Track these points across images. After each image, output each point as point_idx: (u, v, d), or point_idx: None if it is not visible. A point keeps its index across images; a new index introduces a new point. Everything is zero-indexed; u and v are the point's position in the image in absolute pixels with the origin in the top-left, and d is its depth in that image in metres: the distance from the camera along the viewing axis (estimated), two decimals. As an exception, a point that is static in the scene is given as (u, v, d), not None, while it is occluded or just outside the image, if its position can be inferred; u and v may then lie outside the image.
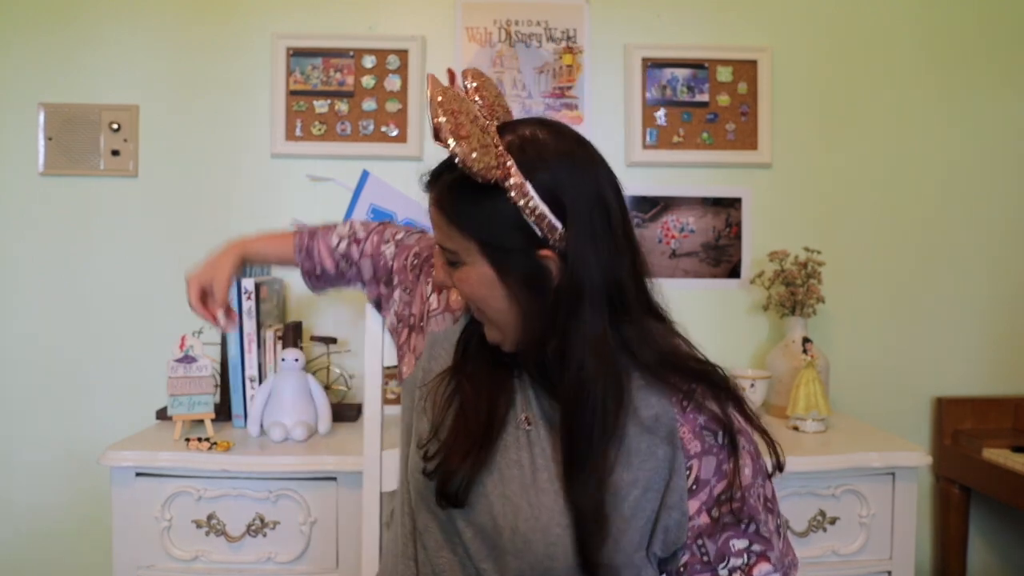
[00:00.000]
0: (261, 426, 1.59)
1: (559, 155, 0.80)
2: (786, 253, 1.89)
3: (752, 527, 0.85)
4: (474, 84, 0.87)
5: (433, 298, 1.01)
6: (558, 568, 0.81)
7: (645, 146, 1.98)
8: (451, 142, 0.75)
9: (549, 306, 0.81)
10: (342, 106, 1.95)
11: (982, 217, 2.04)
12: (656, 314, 0.89)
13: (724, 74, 2.00)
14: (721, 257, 2.02)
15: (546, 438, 0.86)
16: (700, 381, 0.88)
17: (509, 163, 0.78)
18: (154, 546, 1.46)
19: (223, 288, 1.22)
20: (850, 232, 2.03)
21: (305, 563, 1.48)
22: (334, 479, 1.48)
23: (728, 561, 0.84)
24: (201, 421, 1.60)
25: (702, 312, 2.01)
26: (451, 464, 0.85)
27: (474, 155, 0.75)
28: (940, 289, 2.04)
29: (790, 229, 2.00)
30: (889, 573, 1.52)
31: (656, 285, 0.90)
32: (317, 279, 1.22)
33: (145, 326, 1.95)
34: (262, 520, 1.47)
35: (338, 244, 1.18)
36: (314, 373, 1.71)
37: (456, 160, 0.75)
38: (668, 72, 1.99)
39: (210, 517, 1.47)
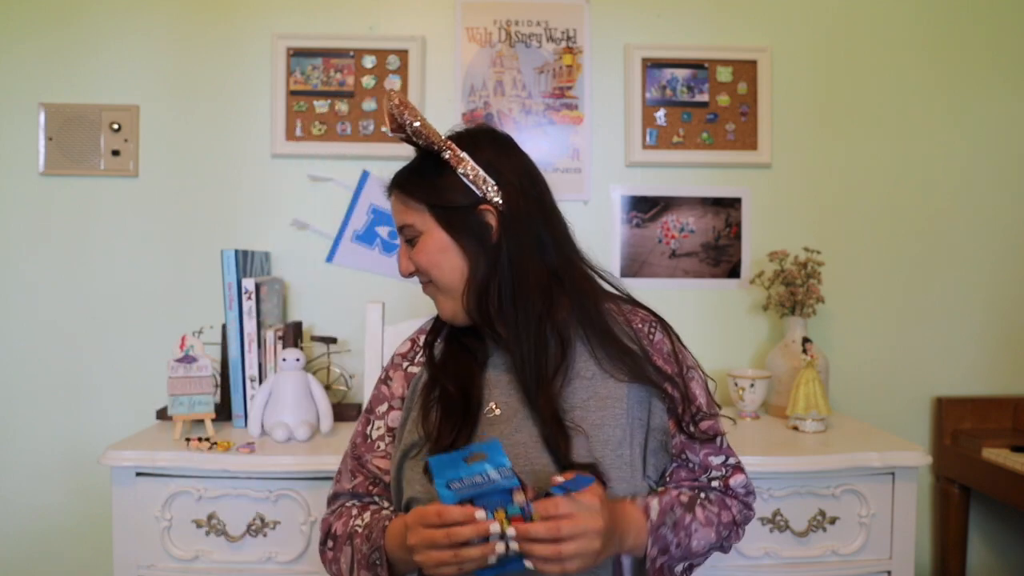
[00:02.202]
0: (261, 426, 1.59)
1: (490, 139, 1.05)
2: (786, 253, 1.89)
3: (724, 443, 1.07)
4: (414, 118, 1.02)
5: (397, 384, 1.13)
6: None
7: (645, 146, 1.99)
8: (410, 120, 0.97)
9: (492, 254, 0.99)
10: (342, 106, 1.95)
11: (982, 217, 2.04)
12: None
13: (724, 74, 2.00)
14: (721, 257, 2.02)
15: (512, 417, 0.99)
16: (651, 314, 1.10)
17: (449, 143, 1.01)
18: (154, 546, 1.46)
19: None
20: (850, 232, 2.03)
21: (305, 563, 1.48)
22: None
23: (710, 472, 1.05)
24: (201, 421, 1.61)
25: (702, 312, 2.02)
26: (441, 443, 0.97)
27: (427, 131, 0.98)
28: (940, 289, 2.04)
29: (790, 229, 2.01)
30: (889, 573, 1.52)
31: (588, 256, 1.09)
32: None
33: (145, 326, 1.95)
34: (262, 520, 1.47)
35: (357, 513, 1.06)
36: (314, 373, 1.71)
37: (413, 132, 0.98)
38: (668, 72, 2.00)
39: (210, 517, 1.47)
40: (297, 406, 1.59)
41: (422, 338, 1.13)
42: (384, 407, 1.12)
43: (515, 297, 0.99)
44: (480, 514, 0.82)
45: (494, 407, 1.01)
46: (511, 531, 0.81)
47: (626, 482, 0.97)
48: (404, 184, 1.04)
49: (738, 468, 1.07)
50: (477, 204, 1.00)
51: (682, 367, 1.06)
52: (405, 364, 1.13)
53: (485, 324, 1.02)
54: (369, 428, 1.12)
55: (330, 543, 1.05)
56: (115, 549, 1.47)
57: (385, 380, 1.14)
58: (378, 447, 1.10)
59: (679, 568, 1.01)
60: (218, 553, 1.47)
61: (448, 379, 1.03)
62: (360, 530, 1.02)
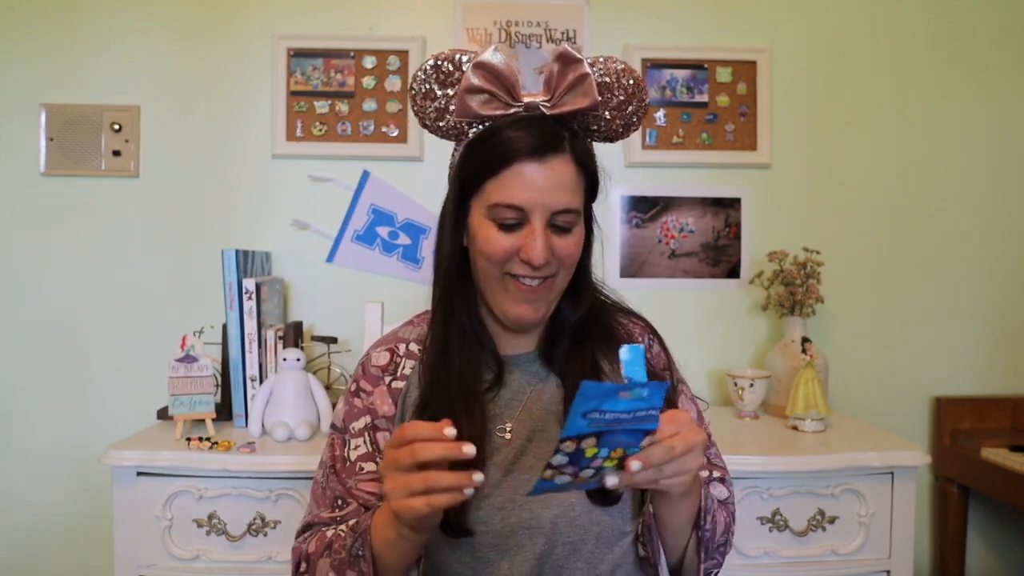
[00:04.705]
0: (262, 426, 1.60)
1: None
2: (785, 253, 1.90)
3: (707, 458, 1.00)
4: None
5: (379, 400, 0.97)
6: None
7: (644, 146, 1.99)
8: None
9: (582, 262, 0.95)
10: (343, 107, 1.95)
11: (981, 217, 2.04)
12: None
13: (723, 75, 2.00)
14: (720, 257, 2.02)
15: (516, 440, 0.92)
16: (647, 325, 1.04)
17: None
18: (155, 545, 1.47)
19: None
20: (849, 232, 2.03)
21: (306, 562, 1.48)
22: (335, 478, 1.48)
23: None
24: (202, 420, 1.61)
25: (702, 312, 2.02)
26: None
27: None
28: (939, 289, 2.05)
29: (789, 229, 2.01)
30: (888, 572, 1.53)
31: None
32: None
33: (146, 326, 1.95)
34: (263, 519, 1.47)
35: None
36: (315, 373, 1.72)
37: (611, 114, 0.91)
38: (668, 73, 2.00)
39: (211, 516, 1.47)
40: (297, 406, 1.60)
41: (402, 347, 1.00)
42: (362, 423, 0.96)
43: (585, 294, 0.96)
44: (451, 431, 0.70)
45: (507, 429, 0.92)
46: (636, 464, 0.70)
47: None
48: (586, 154, 0.90)
49: (722, 481, 0.99)
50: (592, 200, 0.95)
51: (673, 380, 1.00)
52: (387, 378, 0.98)
53: (551, 339, 0.96)
54: (346, 450, 0.96)
55: (303, 566, 0.91)
56: (116, 548, 1.47)
57: (357, 392, 0.98)
58: (361, 469, 0.94)
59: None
60: (219, 553, 1.47)
61: (455, 402, 0.90)
62: (342, 534, 0.88)
